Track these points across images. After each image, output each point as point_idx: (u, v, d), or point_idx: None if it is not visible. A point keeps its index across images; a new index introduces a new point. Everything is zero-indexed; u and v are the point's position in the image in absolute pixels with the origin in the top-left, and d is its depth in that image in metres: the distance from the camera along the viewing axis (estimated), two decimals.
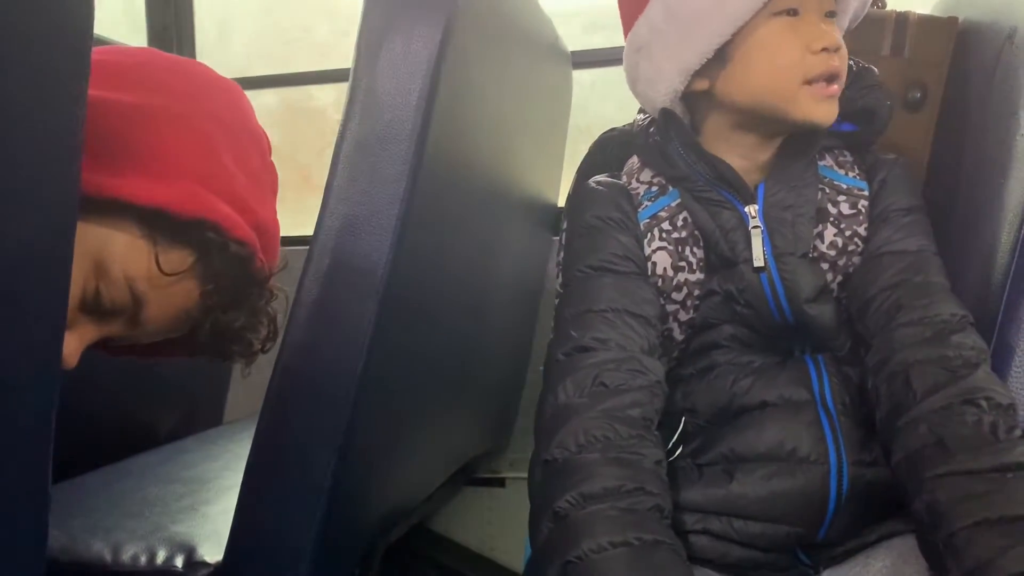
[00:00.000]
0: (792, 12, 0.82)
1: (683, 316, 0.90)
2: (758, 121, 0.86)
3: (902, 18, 1.07)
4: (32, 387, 0.51)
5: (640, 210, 0.90)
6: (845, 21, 0.88)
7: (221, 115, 0.75)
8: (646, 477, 0.77)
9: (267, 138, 0.82)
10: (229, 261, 0.72)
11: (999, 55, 0.92)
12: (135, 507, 1.05)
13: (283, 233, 0.86)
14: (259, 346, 0.79)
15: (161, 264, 0.70)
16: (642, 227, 0.89)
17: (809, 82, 0.81)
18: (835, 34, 0.82)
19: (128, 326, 0.73)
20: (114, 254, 0.68)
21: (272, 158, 0.86)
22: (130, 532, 0.96)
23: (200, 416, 1.62)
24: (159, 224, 0.69)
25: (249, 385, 1.77)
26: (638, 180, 0.92)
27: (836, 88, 0.82)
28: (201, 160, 0.71)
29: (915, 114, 1.07)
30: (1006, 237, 0.81)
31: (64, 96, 0.48)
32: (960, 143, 0.99)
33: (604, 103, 1.84)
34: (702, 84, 0.86)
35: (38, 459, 0.53)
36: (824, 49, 0.81)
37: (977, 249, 0.88)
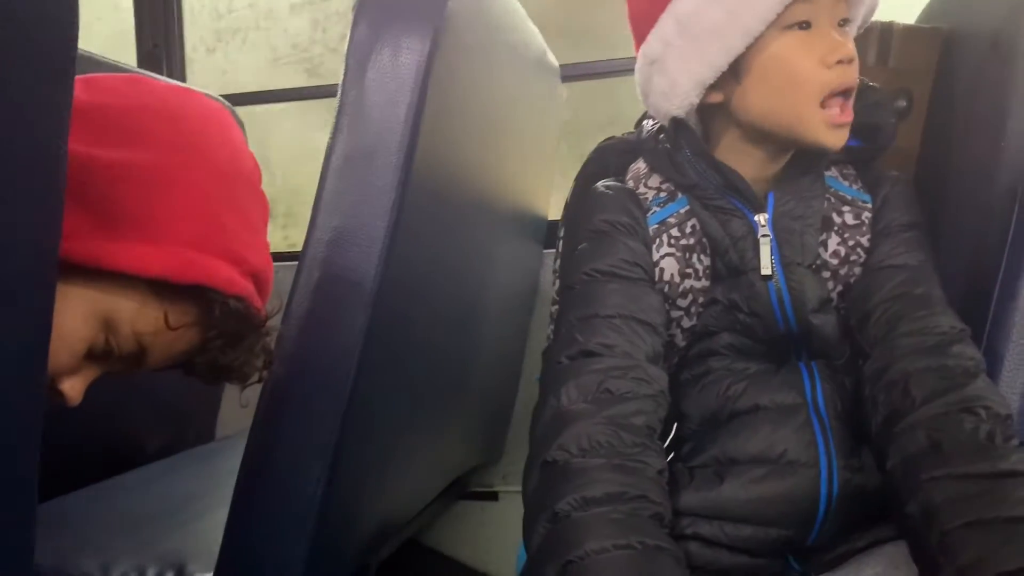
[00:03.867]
0: (804, 25, 0.81)
1: (686, 323, 0.90)
2: (770, 137, 0.86)
3: (887, 28, 1.07)
4: (17, 403, 0.51)
5: (649, 215, 0.90)
6: (855, 29, 0.87)
7: (215, 161, 0.75)
8: (648, 486, 0.77)
9: (257, 168, 0.82)
10: (229, 314, 0.75)
11: (982, 64, 0.93)
12: (125, 524, 1.04)
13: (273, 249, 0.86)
14: (255, 378, 0.80)
15: (169, 320, 0.73)
16: (651, 232, 0.89)
17: (824, 105, 0.81)
18: (850, 45, 0.82)
19: (130, 367, 0.76)
20: (124, 313, 0.71)
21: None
22: (120, 549, 0.96)
23: (192, 432, 1.61)
24: (164, 286, 0.71)
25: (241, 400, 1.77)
26: (646, 185, 0.92)
27: (849, 112, 0.82)
28: (197, 221, 0.72)
29: (902, 123, 1.08)
30: (994, 244, 0.81)
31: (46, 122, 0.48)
32: (947, 151, 1.00)
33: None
34: (716, 97, 0.86)
35: (24, 476, 0.53)
36: (839, 62, 0.80)
37: (965, 256, 0.89)
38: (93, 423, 1.26)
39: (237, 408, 1.71)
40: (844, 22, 0.83)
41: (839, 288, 0.89)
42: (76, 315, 0.68)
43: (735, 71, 0.84)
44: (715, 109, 0.88)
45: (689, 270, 0.88)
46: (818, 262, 0.88)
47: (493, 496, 1.65)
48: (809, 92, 0.81)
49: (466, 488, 1.62)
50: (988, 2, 0.97)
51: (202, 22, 2.11)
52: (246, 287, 0.76)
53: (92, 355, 0.72)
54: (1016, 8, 0.86)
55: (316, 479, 0.86)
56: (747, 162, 0.88)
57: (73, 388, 0.72)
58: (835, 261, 0.88)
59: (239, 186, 0.77)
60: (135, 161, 0.69)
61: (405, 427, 1.07)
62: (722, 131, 0.89)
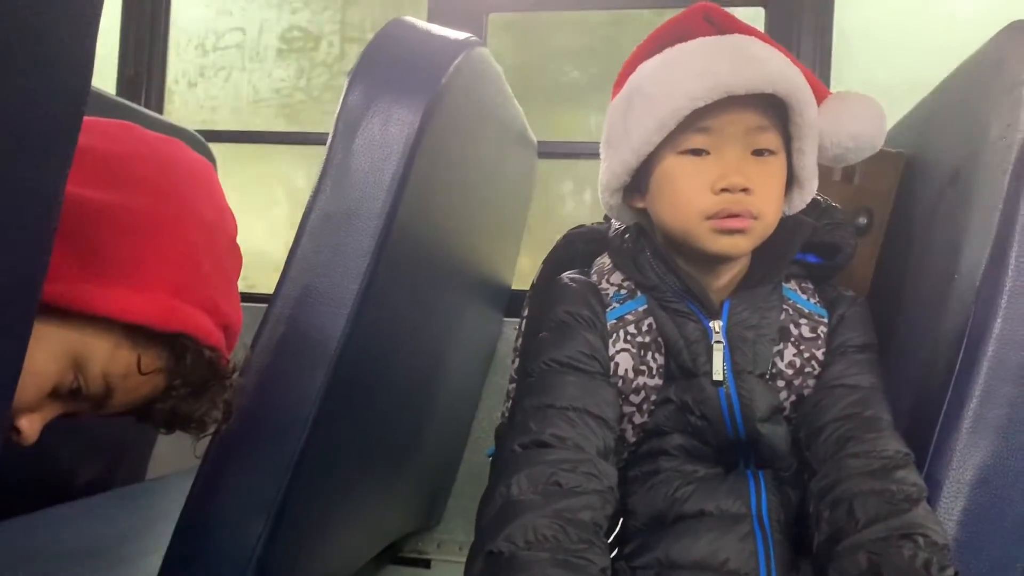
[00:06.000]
0: (700, 152, 0.85)
1: (637, 419, 0.91)
2: (679, 244, 0.90)
3: None
4: None
5: (608, 310, 0.92)
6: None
7: (201, 212, 0.76)
8: None
9: (235, 222, 0.83)
10: (200, 363, 0.75)
11: (941, 195, 0.97)
12: (47, 564, 1.01)
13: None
14: (212, 428, 0.79)
15: (141, 364, 0.72)
16: (609, 327, 0.91)
17: (709, 217, 0.85)
18: (746, 174, 0.84)
19: (91, 408, 0.75)
20: (96, 355, 0.70)
21: None
22: None
23: (123, 469, 1.56)
24: (140, 331, 0.71)
25: (175, 441, 1.73)
26: (608, 281, 0.94)
27: (738, 222, 0.84)
28: (181, 270, 0.73)
29: (861, 239, 1.13)
30: (940, 374, 0.84)
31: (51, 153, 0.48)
32: (901, 273, 1.04)
33: None
34: (640, 203, 0.92)
35: None
36: (724, 190, 0.83)
37: (911, 381, 0.92)
38: (17, 452, 1.22)
39: (169, 448, 1.67)
40: (759, 152, 0.85)
41: (792, 398, 0.91)
42: (48, 354, 0.68)
43: (641, 182, 0.89)
44: (646, 214, 0.92)
45: (643, 367, 0.90)
46: (773, 371, 0.90)
47: (426, 564, 1.63)
48: (690, 213, 0.85)
49: (399, 553, 1.60)
50: (950, 136, 1.02)
51: (187, 56, 2.11)
52: (219, 338, 0.76)
53: (56, 393, 0.71)
54: (976, 149, 0.91)
55: (257, 535, 0.85)
56: (691, 268, 0.91)
57: (31, 426, 0.71)
58: (790, 371, 0.90)
59: (220, 238, 0.78)
60: (126, 206, 0.70)
61: (350, 489, 1.06)
62: (654, 235, 0.93)
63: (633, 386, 0.90)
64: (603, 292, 0.93)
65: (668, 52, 0.88)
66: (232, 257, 0.81)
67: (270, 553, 0.86)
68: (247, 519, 0.85)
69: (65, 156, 0.47)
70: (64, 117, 0.47)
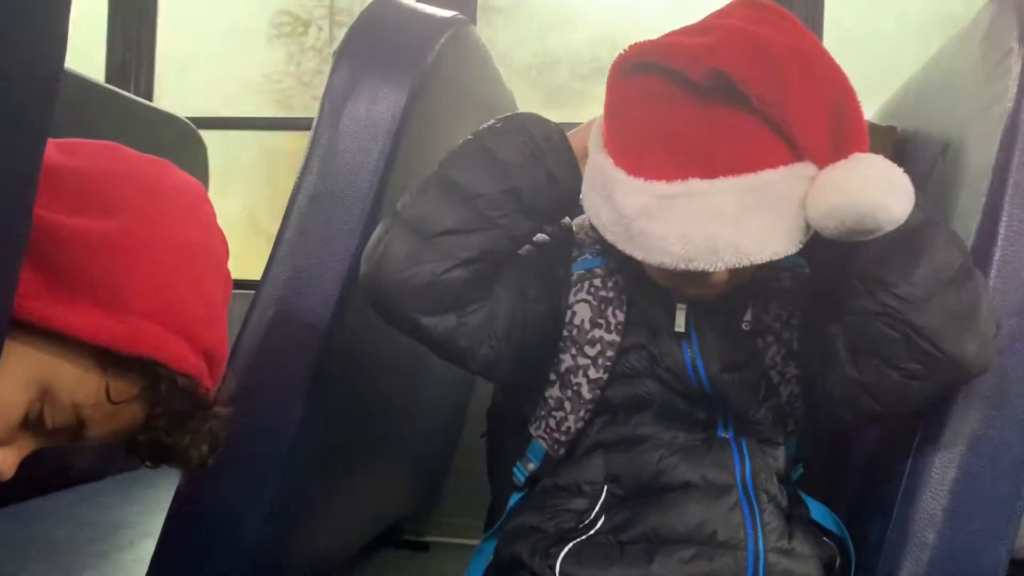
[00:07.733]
0: None
1: (593, 374, 0.90)
2: None
3: None
4: None
5: (578, 260, 0.92)
6: None
7: (182, 234, 0.73)
8: None
9: (225, 245, 0.79)
10: (175, 391, 0.71)
11: (933, 167, 0.97)
12: (43, 551, 1.01)
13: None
14: (198, 462, 0.76)
15: (110, 393, 0.69)
16: (575, 276, 0.91)
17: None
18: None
19: (68, 441, 0.72)
20: (63, 382, 0.67)
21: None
22: None
23: (119, 457, 1.56)
24: (109, 356, 0.68)
25: None
26: (587, 234, 0.94)
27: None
28: (156, 293, 0.69)
29: None
30: None
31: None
32: None
33: None
34: None
35: None
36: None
37: None
38: None
39: None
40: None
41: (783, 352, 0.90)
42: (14, 381, 0.65)
43: None
44: None
45: (601, 320, 0.89)
46: (760, 326, 0.90)
47: (424, 547, 1.63)
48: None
49: (397, 536, 1.60)
50: (941, 109, 1.02)
51: (176, 42, 2.10)
52: (197, 365, 0.73)
53: (27, 426, 0.68)
54: (966, 121, 0.90)
55: (251, 523, 0.85)
56: None
57: (5, 461, 0.68)
58: (778, 325, 0.90)
59: (203, 262, 0.75)
60: (101, 228, 0.67)
61: (346, 473, 1.06)
62: None
63: (588, 338, 0.89)
64: (578, 240, 0.94)
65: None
66: (217, 281, 0.77)
67: (265, 537, 0.86)
68: (241, 504, 0.85)
69: (35, 154, 0.46)
70: (35, 108, 0.46)
